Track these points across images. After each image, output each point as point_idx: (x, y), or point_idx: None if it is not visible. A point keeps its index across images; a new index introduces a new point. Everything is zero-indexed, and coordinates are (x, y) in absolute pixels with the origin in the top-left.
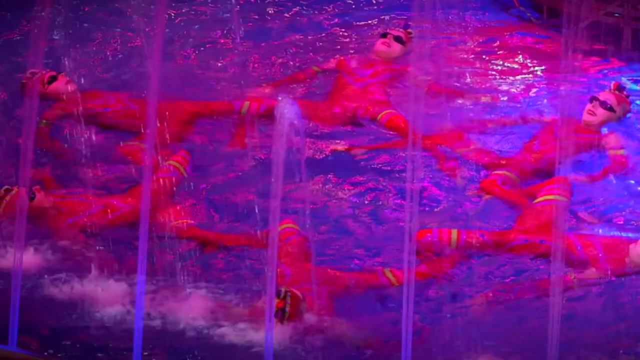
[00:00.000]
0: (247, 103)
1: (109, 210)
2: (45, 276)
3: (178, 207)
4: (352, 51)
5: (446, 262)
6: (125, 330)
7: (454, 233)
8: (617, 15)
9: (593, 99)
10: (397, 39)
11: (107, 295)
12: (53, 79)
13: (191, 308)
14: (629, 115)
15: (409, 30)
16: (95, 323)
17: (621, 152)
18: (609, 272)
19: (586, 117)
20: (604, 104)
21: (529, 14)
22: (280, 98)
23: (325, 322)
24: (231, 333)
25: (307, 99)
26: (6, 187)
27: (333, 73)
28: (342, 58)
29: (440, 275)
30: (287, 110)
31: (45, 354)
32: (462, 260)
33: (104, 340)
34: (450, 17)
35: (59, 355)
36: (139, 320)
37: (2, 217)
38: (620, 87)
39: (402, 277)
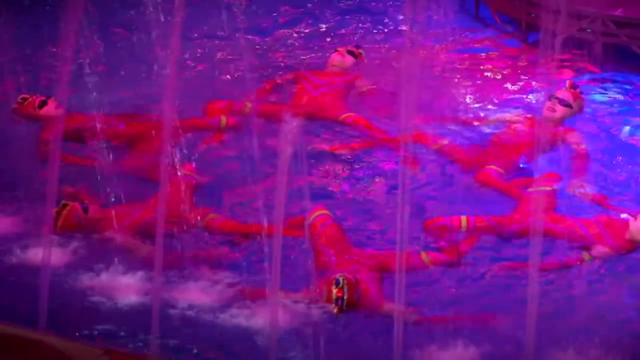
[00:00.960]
0: (224, 118)
1: (146, 214)
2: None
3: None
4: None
5: (462, 247)
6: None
7: (464, 219)
8: (588, 30)
9: (552, 96)
10: (350, 53)
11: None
12: (43, 103)
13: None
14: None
15: (360, 50)
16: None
17: (583, 146)
18: (615, 249)
19: (547, 113)
20: (562, 101)
21: (508, 30)
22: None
23: (378, 303)
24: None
25: (274, 104)
26: (63, 202)
27: (293, 83)
28: (300, 71)
29: (458, 259)
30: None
31: (77, 335)
32: (473, 245)
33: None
34: (440, 32)
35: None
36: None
37: (60, 231)
38: (574, 85)
39: (436, 259)
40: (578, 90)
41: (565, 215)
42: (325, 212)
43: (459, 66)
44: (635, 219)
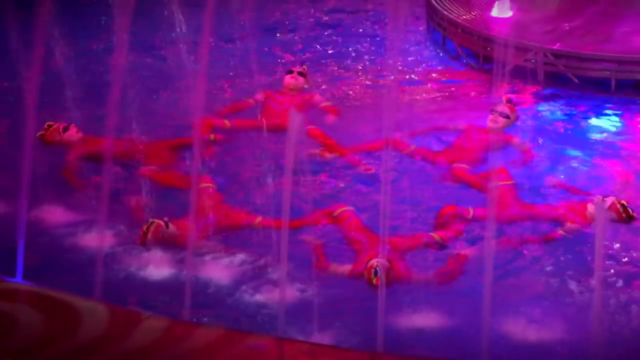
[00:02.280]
0: (212, 135)
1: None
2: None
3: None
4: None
5: (459, 227)
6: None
7: (471, 210)
8: (532, 61)
9: (493, 111)
10: (300, 74)
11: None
12: (66, 129)
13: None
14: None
15: (304, 66)
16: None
17: (525, 146)
18: (581, 224)
19: (490, 124)
20: (502, 114)
21: (470, 62)
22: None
23: (407, 275)
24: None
25: (248, 119)
26: (150, 220)
27: (261, 102)
28: (268, 92)
29: (457, 235)
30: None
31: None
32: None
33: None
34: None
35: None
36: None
37: (149, 244)
38: (510, 100)
39: (446, 236)
40: (513, 103)
41: (534, 204)
42: (347, 208)
43: (428, 88)
44: (592, 203)
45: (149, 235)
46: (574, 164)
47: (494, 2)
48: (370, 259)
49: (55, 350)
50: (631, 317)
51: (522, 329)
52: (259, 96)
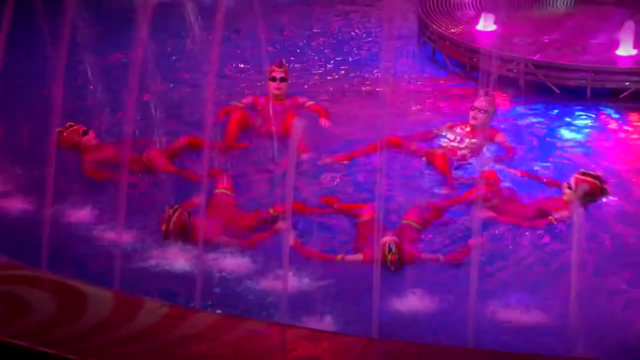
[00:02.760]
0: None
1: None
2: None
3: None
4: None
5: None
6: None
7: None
8: (514, 71)
9: (472, 108)
10: (283, 80)
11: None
12: (85, 132)
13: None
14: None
15: (284, 64)
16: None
17: (508, 143)
18: (569, 212)
19: (472, 122)
20: (480, 109)
21: (457, 71)
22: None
23: (418, 255)
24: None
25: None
26: (175, 205)
27: (253, 106)
28: (255, 96)
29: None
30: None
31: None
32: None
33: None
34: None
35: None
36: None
37: (170, 232)
38: (487, 92)
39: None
40: (490, 95)
41: (523, 201)
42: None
43: (419, 94)
44: (568, 187)
45: (174, 219)
46: (550, 163)
47: (479, 16)
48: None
49: (64, 330)
50: (610, 299)
51: (513, 313)
52: (247, 100)
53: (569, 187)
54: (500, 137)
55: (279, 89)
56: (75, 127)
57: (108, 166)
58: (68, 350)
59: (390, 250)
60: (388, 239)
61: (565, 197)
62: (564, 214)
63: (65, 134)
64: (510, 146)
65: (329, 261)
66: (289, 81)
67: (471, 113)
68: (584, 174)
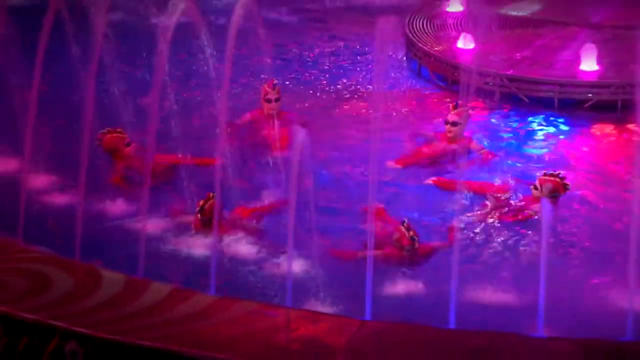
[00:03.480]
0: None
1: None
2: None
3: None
4: None
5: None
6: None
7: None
8: (491, 84)
9: (446, 122)
10: (277, 100)
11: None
12: (129, 144)
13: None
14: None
15: (276, 86)
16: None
17: (483, 150)
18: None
19: (448, 136)
20: (452, 124)
21: (440, 84)
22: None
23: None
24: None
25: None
26: (211, 194)
27: (251, 123)
28: (252, 114)
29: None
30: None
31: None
32: None
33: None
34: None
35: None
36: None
37: (203, 220)
38: (456, 105)
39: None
40: (459, 107)
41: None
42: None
43: (406, 104)
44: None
45: (207, 206)
46: (521, 164)
47: (460, 36)
48: (396, 230)
49: (79, 305)
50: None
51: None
52: (247, 118)
53: (535, 188)
54: (474, 145)
55: (273, 109)
56: (121, 135)
57: (133, 176)
58: (77, 323)
59: (408, 229)
60: (404, 221)
61: (533, 195)
62: (535, 208)
63: (109, 136)
64: (485, 152)
65: (353, 257)
66: (282, 98)
67: (446, 127)
68: (546, 174)
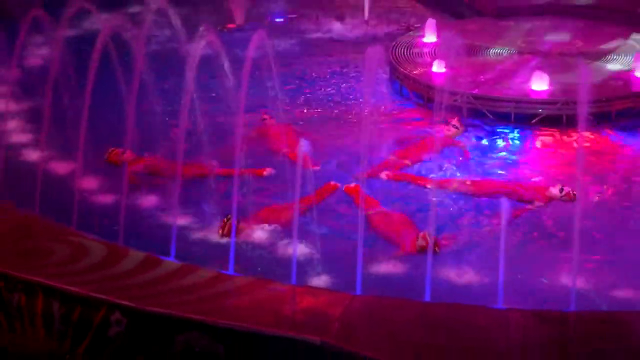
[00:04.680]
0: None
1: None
2: None
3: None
4: None
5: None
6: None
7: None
8: (459, 101)
9: (448, 123)
10: (271, 117)
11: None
12: (123, 152)
13: None
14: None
15: (265, 116)
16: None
17: (466, 148)
18: (545, 202)
19: (446, 132)
20: (455, 126)
21: (418, 102)
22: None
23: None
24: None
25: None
26: (228, 215)
27: (259, 136)
28: (259, 127)
29: None
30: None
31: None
32: None
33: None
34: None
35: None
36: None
37: (225, 231)
38: (459, 120)
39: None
40: (460, 122)
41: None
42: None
43: (390, 117)
44: (554, 186)
45: (225, 230)
46: (488, 164)
47: (434, 62)
48: (418, 237)
49: (123, 282)
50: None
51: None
52: (254, 132)
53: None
54: (460, 144)
55: (272, 121)
56: (116, 150)
57: (146, 174)
58: (121, 297)
59: (425, 240)
60: (425, 234)
61: (549, 193)
62: (540, 203)
63: (110, 156)
64: (466, 149)
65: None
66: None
67: (447, 127)
68: (572, 193)
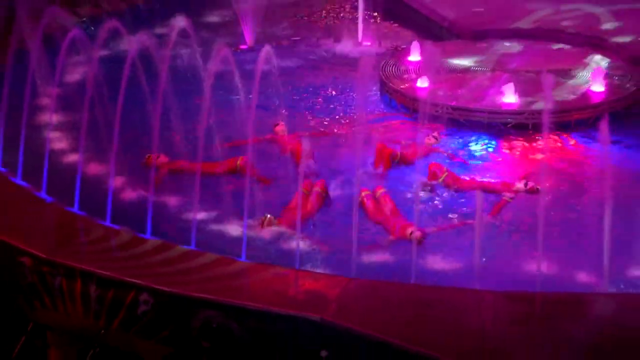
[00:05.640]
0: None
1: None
2: None
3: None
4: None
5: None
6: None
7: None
8: (440, 111)
9: (430, 135)
10: (282, 130)
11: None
12: (158, 157)
13: None
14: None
15: (280, 123)
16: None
17: (450, 153)
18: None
19: (428, 141)
20: (435, 137)
21: (405, 112)
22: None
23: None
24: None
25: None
26: (265, 215)
27: (272, 142)
28: (274, 134)
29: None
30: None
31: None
32: None
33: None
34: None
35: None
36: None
37: (265, 226)
38: (439, 133)
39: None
40: (439, 134)
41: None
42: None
43: (381, 126)
44: (520, 182)
45: (266, 222)
46: (467, 166)
47: (418, 78)
48: (407, 229)
49: (153, 270)
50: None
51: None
52: (269, 137)
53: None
54: (443, 150)
55: (282, 128)
56: (153, 156)
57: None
58: (148, 280)
59: (411, 234)
60: (413, 230)
61: (515, 187)
62: (511, 194)
63: (148, 161)
64: (453, 155)
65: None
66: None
67: (428, 137)
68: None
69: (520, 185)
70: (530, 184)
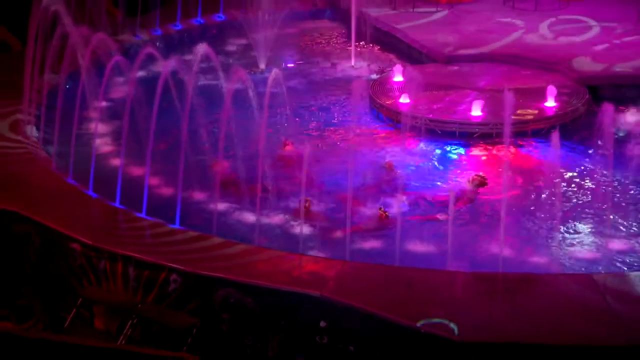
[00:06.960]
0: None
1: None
2: None
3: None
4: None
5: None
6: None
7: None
8: (419, 123)
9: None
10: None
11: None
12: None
13: None
14: None
15: (288, 141)
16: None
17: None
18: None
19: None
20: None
21: (390, 124)
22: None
23: None
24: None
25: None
26: (307, 199)
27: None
28: (282, 151)
29: None
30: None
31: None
32: None
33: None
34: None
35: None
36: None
37: (307, 212)
38: (391, 163)
39: None
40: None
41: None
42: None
43: (369, 136)
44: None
45: (307, 206)
46: (440, 170)
47: (401, 95)
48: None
49: (186, 256)
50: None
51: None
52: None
53: (468, 182)
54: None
55: (290, 146)
56: (221, 162)
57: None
58: (176, 262)
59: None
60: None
61: (467, 187)
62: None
63: (214, 166)
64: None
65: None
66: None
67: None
68: (475, 175)
69: (468, 185)
70: (474, 177)
